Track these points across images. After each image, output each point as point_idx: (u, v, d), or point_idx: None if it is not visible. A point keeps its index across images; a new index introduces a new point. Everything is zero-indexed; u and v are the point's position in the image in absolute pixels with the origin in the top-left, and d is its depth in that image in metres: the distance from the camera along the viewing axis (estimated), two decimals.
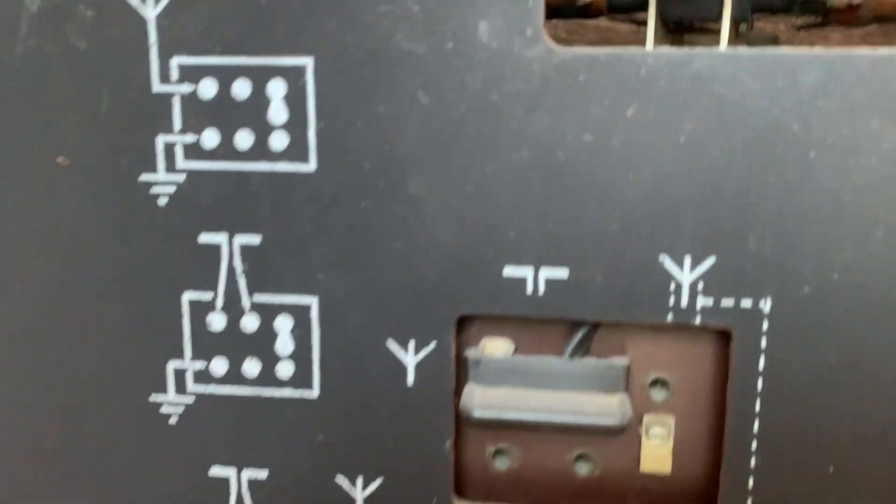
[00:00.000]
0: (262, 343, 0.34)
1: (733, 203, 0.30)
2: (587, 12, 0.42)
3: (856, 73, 0.29)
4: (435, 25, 0.30)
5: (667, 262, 0.31)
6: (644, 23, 0.41)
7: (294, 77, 0.31)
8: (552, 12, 0.42)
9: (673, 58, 0.30)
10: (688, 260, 0.31)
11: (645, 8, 0.39)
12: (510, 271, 0.32)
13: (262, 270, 0.33)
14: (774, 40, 0.42)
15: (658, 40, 0.41)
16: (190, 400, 0.35)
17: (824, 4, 0.37)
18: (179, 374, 0.35)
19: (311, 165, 0.32)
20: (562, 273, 0.32)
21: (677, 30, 0.42)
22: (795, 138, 0.29)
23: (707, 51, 0.29)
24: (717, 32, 0.41)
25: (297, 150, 0.32)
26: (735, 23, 0.39)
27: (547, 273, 0.32)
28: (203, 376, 0.35)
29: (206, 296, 0.34)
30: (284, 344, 0.34)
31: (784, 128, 0.29)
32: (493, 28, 0.30)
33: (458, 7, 0.30)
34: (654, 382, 0.34)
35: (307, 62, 0.31)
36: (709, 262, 0.31)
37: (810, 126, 0.29)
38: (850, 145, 0.29)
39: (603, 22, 0.56)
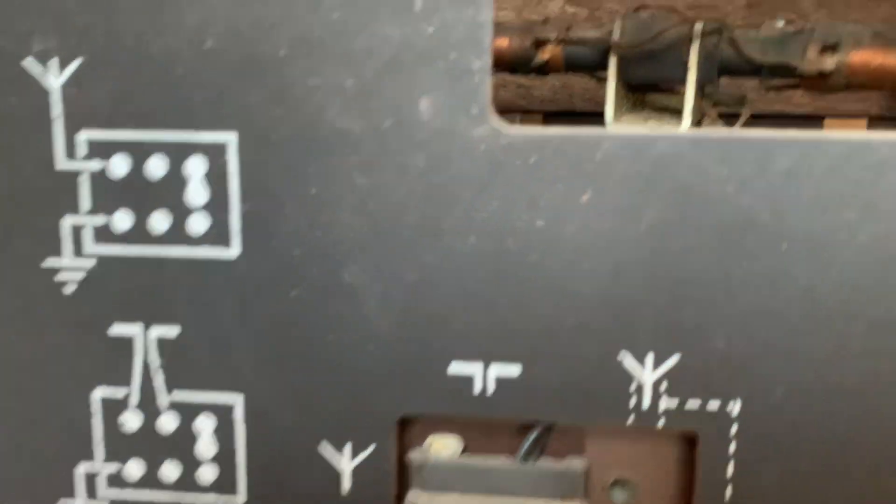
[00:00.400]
0: (182, 444, 0.30)
1: (699, 297, 0.28)
2: (545, 69, 0.39)
3: (830, 159, 0.26)
4: (371, 102, 0.27)
5: (627, 359, 0.28)
6: (605, 79, 0.38)
7: (215, 154, 0.28)
8: (509, 68, 0.40)
9: (632, 141, 0.27)
10: (650, 358, 0.28)
11: (605, 67, 0.37)
12: (457, 368, 0.29)
13: (181, 365, 0.30)
14: (742, 100, 0.40)
15: (619, 101, 0.39)
16: None
17: (793, 71, 0.35)
18: (90, 478, 0.31)
19: (234, 251, 0.29)
20: (513, 370, 0.29)
21: (640, 88, 0.39)
22: (766, 229, 0.27)
23: (669, 134, 0.27)
24: (682, 92, 0.38)
25: (218, 234, 0.29)
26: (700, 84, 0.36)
27: (497, 370, 0.29)
28: (116, 480, 0.31)
29: (118, 392, 0.30)
30: (206, 446, 0.30)
31: (753, 217, 0.27)
32: (435, 106, 0.27)
33: (396, 83, 0.27)
34: (616, 483, 0.31)
35: (230, 138, 0.28)
36: (672, 360, 0.28)
37: (782, 216, 0.27)
38: (824, 237, 0.27)
39: None
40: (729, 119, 0.44)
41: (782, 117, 0.58)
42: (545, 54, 0.38)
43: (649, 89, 0.39)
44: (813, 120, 0.58)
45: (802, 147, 0.26)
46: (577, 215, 0.27)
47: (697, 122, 0.40)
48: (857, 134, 0.26)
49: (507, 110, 0.62)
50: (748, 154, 0.27)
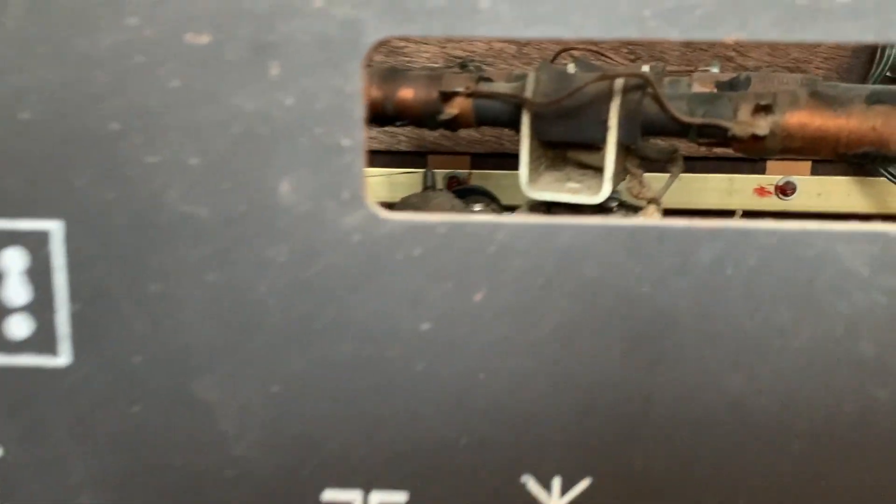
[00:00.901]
0: None
1: (613, 411, 0.24)
2: (454, 124, 0.35)
3: (761, 252, 0.23)
4: (222, 183, 0.23)
5: (531, 483, 0.24)
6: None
7: (37, 245, 0.23)
8: (416, 122, 0.36)
9: (532, 230, 0.23)
10: (557, 482, 0.24)
11: (518, 124, 0.33)
12: (332, 496, 0.24)
13: (8, 490, 0.25)
14: (673, 154, 0.36)
15: (535, 160, 0.35)
16: None
17: (724, 132, 0.31)
18: None
19: (62, 358, 0.24)
20: (399, 497, 0.24)
21: (560, 144, 0.35)
22: (688, 332, 0.23)
23: (576, 222, 0.23)
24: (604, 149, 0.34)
25: (43, 339, 0.24)
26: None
27: (380, 498, 0.24)
28: None
29: None
30: None
31: (673, 319, 0.23)
32: (298, 188, 0.23)
33: (251, 161, 0.23)
34: None
35: (54, 227, 0.23)
36: (583, 484, 0.24)
37: (706, 317, 0.23)
38: (755, 341, 0.23)
39: None
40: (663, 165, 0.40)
41: (723, 160, 0.55)
42: (453, 108, 0.34)
43: (570, 145, 0.35)
44: (754, 163, 0.55)
45: (728, 238, 0.23)
46: (470, 317, 0.23)
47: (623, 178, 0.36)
48: (791, 224, 0.23)
49: (432, 152, 0.58)
50: (667, 246, 0.23)
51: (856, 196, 0.53)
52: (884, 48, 0.49)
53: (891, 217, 0.53)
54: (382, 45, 0.50)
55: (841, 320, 0.23)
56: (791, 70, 0.52)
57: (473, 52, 0.53)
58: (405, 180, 0.54)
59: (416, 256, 0.23)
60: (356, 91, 0.22)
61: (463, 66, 0.42)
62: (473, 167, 0.54)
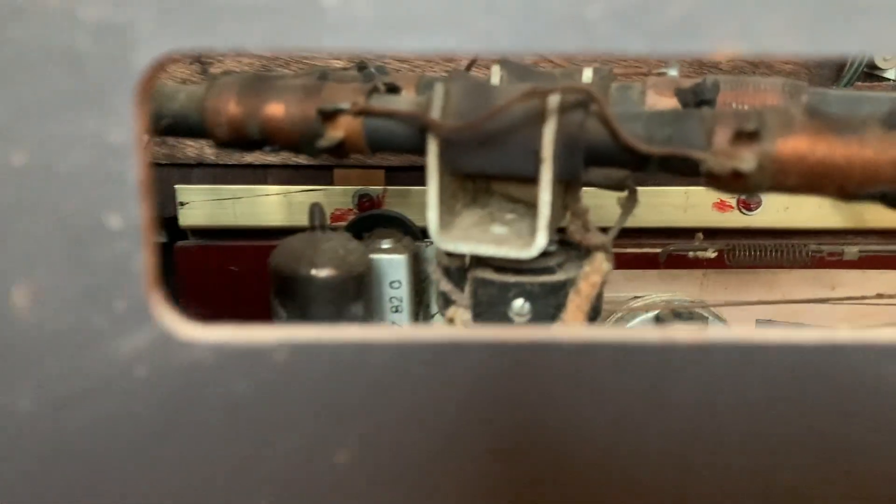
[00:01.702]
0: None
1: None
2: (341, 150, 0.27)
3: (770, 370, 0.15)
4: None
5: None
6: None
7: None
8: (290, 147, 0.27)
9: (428, 350, 0.15)
10: None
11: (422, 151, 0.25)
12: None
13: None
14: (622, 182, 0.28)
15: (449, 195, 0.26)
16: None
17: (695, 166, 0.23)
18: None
19: None
20: None
21: (483, 174, 0.27)
22: (665, 488, 0.15)
23: (499, 336, 0.15)
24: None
25: None
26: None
27: None
28: None
29: None
30: None
31: (647, 472, 0.15)
32: (42, 297, 0.14)
33: None
34: None
35: None
36: None
37: (688, 469, 0.15)
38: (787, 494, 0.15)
39: None
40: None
41: None
42: (337, 131, 0.26)
43: (495, 176, 0.27)
44: None
45: (739, 351, 0.15)
46: (329, 487, 0.15)
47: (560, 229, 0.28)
48: (814, 334, 0.15)
49: (338, 166, 0.50)
50: (640, 370, 0.15)
51: (827, 209, 0.46)
52: None
53: (868, 232, 0.46)
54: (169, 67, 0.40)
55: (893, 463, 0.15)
56: (755, 67, 0.45)
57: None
58: (307, 199, 0.46)
59: (241, 396, 0.15)
60: (127, 139, 0.14)
61: (361, 68, 0.33)
62: (388, 183, 0.46)
